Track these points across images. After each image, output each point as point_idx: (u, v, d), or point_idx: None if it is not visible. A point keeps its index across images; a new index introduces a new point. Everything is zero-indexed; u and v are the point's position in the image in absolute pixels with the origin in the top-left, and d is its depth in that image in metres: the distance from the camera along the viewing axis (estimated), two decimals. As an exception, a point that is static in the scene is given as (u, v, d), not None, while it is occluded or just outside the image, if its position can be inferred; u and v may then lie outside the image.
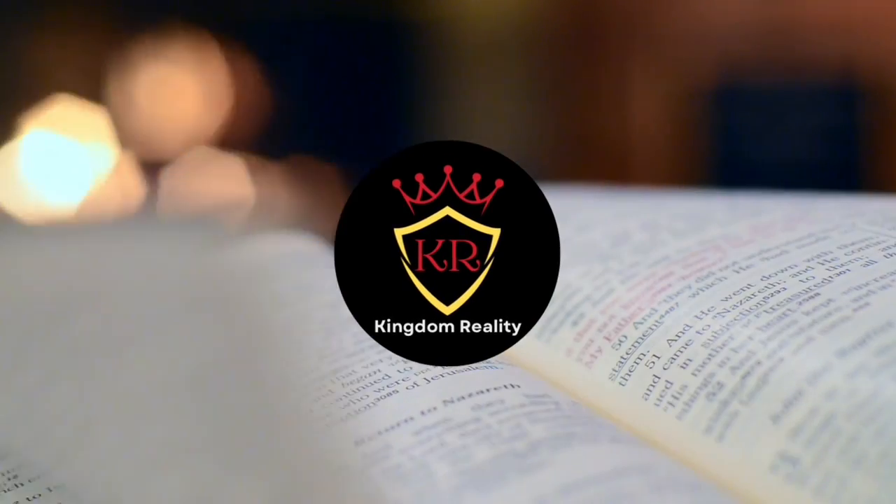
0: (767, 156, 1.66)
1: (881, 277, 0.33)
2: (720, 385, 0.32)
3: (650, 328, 0.35)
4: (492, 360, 0.35)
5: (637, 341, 0.35)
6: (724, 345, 0.33)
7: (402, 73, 1.76)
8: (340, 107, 1.78)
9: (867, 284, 0.33)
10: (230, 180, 1.72)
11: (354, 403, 0.33)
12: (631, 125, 1.71)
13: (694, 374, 0.33)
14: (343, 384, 0.34)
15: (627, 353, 0.35)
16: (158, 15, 1.71)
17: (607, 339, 0.35)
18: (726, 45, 1.67)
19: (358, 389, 0.34)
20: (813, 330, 0.32)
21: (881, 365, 0.30)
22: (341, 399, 0.34)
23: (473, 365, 0.34)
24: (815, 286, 0.34)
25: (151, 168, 1.71)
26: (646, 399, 0.33)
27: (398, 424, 0.32)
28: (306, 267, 0.43)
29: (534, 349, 0.37)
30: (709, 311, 0.34)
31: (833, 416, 0.29)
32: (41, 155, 1.69)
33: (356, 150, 1.77)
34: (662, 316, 0.35)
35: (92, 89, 1.70)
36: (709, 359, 0.33)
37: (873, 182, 1.61)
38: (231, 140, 1.72)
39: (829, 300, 0.33)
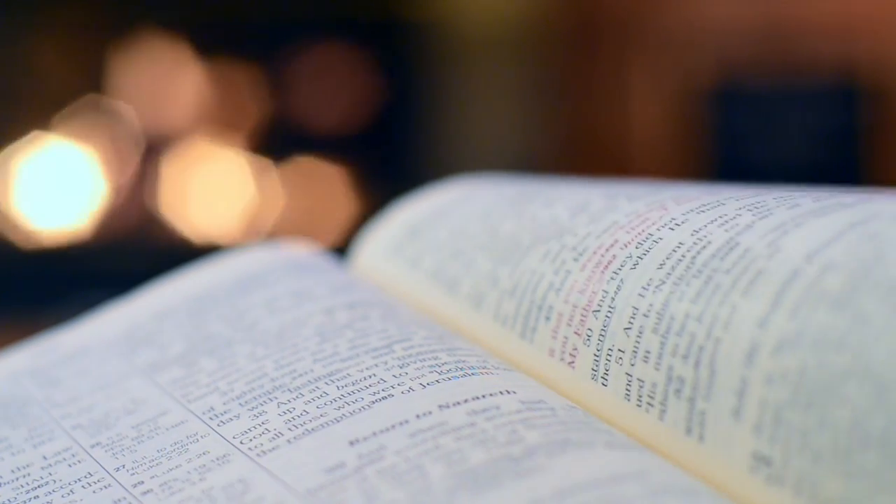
0: (767, 156, 1.66)
1: (799, 216, 0.31)
2: (681, 379, 0.30)
3: (606, 316, 0.33)
4: (488, 365, 0.35)
5: (601, 334, 0.33)
6: (668, 329, 0.31)
7: (402, 73, 1.76)
8: (340, 107, 1.78)
9: (783, 225, 0.31)
10: (230, 179, 1.72)
11: (349, 405, 0.33)
12: (631, 125, 1.71)
13: (656, 369, 0.31)
14: (338, 387, 0.34)
15: (598, 350, 0.33)
16: (160, 12, 1.71)
17: (577, 334, 0.34)
18: (726, 46, 1.67)
19: (353, 392, 0.34)
20: (734, 294, 0.30)
21: (797, 333, 0.28)
22: (336, 400, 0.34)
23: (469, 371, 0.35)
24: (735, 235, 0.32)
25: (151, 164, 1.71)
26: (627, 400, 0.32)
27: (393, 426, 0.32)
28: (302, 273, 0.43)
29: (522, 352, 0.36)
30: (648, 284, 0.33)
31: (780, 407, 0.28)
32: (42, 157, 1.69)
33: (356, 150, 1.77)
34: (613, 299, 0.33)
35: (91, 87, 1.70)
36: (662, 347, 0.31)
37: (873, 182, 1.61)
38: (232, 138, 1.72)
39: (746, 250, 0.31)
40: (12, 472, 0.35)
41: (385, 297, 0.41)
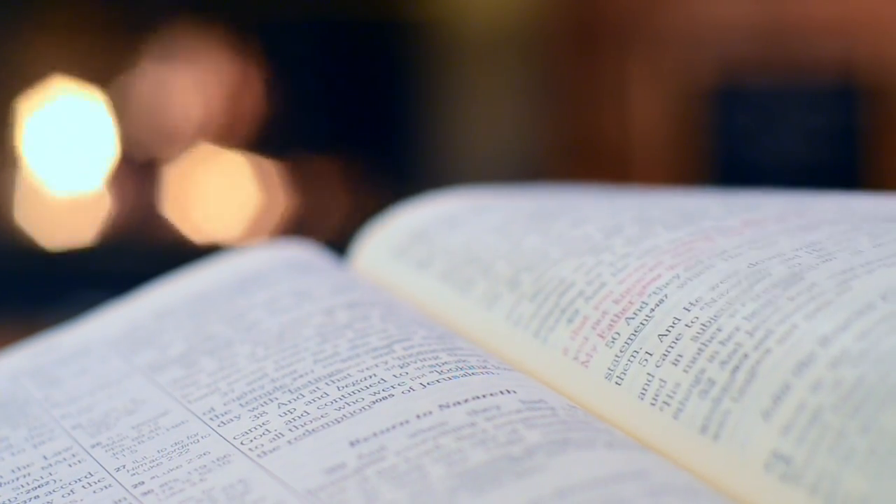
0: (767, 156, 1.66)
1: (867, 263, 0.33)
2: (711, 382, 0.32)
3: (641, 324, 0.34)
4: (489, 365, 0.35)
5: (629, 338, 0.34)
6: (712, 338, 0.32)
7: (402, 73, 1.76)
8: (341, 107, 1.78)
9: (852, 269, 0.33)
10: (231, 178, 1.72)
11: (350, 406, 0.33)
12: (631, 126, 1.71)
13: (685, 371, 0.32)
14: (338, 387, 0.35)
15: (621, 351, 0.34)
16: (161, 11, 1.71)
17: (601, 336, 0.35)
18: (726, 46, 1.67)
19: (353, 392, 0.34)
20: (797, 316, 0.32)
21: (862, 351, 0.30)
22: (336, 401, 0.34)
23: (469, 370, 0.35)
24: (800, 272, 0.33)
25: (152, 165, 1.71)
26: (642, 399, 0.33)
27: (394, 427, 0.32)
28: (302, 273, 0.43)
29: (532, 349, 0.37)
30: (696, 301, 0.34)
31: (820, 411, 0.29)
32: (43, 148, 1.70)
33: (356, 150, 1.77)
34: (652, 310, 0.35)
35: (94, 85, 1.70)
36: (699, 353, 0.32)
37: (873, 182, 1.61)
38: (232, 138, 1.72)
39: (813, 284, 0.33)
40: (12, 472, 0.35)
41: (385, 297, 0.41)
